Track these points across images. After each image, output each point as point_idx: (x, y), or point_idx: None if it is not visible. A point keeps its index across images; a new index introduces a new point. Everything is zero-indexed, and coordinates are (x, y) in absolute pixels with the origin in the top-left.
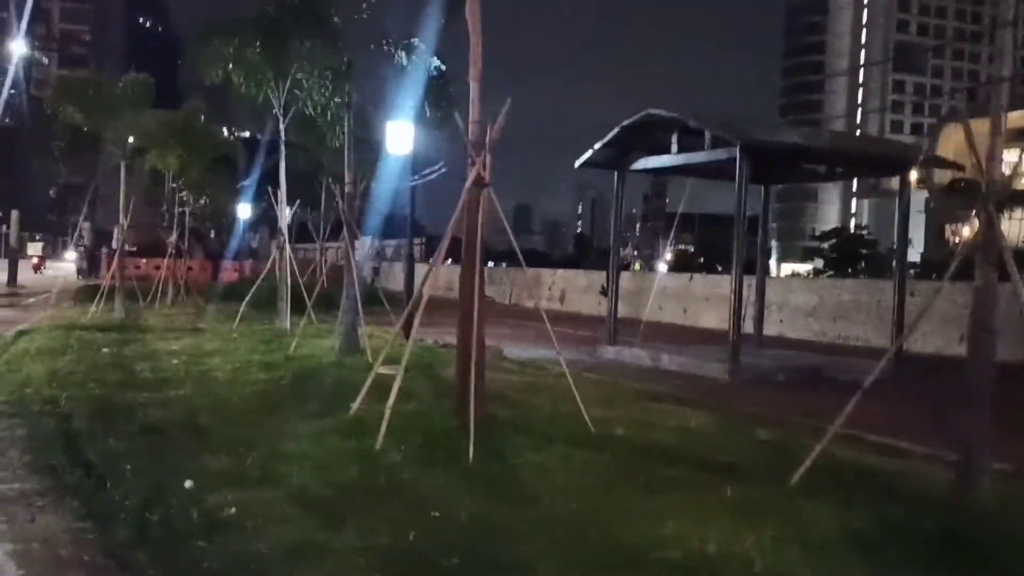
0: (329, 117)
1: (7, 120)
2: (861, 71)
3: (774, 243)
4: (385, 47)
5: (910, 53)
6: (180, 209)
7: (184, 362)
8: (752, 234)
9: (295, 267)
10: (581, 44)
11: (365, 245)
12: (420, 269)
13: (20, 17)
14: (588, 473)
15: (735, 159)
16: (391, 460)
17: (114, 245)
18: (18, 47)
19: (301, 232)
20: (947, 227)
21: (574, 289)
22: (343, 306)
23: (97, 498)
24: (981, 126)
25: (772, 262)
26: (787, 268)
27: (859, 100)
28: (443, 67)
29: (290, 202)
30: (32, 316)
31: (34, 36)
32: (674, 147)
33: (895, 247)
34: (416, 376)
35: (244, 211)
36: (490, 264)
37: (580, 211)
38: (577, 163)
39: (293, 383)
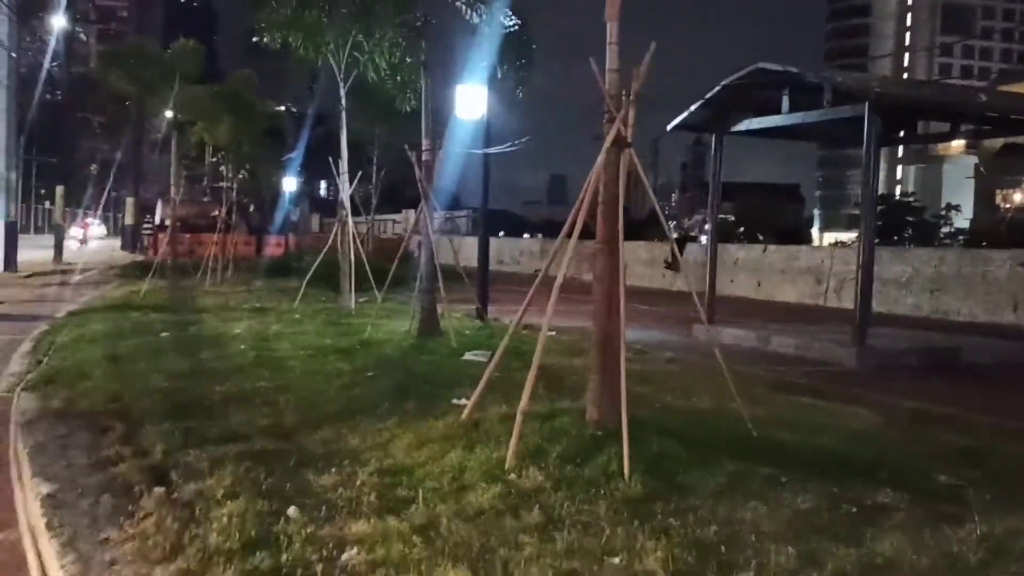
0: (400, 79)
1: (48, 96)
2: (908, 34)
3: (816, 211)
4: (457, 2)
5: (959, 14)
6: (222, 184)
7: (251, 347)
8: (796, 202)
9: (358, 242)
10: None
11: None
12: (468, 242)
13: None
14: (781, 500)
15: (860, 117)
16: (532, 481)
17: (157, 220)
18: (58, 21)
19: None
20: (997, 193)
21: (635, 262)
22: (419, 285)
23: (184, 533)
24: None
25: (814, 231)
26: (830, 236)
27: (905, 63)
28: (518, 23)
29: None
30: (81, 295)
31: (74, 11)
32: (785, 105)
33: (943, 213)
34: (512, 365)
35: (289, 184)
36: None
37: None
38: (670, 126)
39: (379, 374)
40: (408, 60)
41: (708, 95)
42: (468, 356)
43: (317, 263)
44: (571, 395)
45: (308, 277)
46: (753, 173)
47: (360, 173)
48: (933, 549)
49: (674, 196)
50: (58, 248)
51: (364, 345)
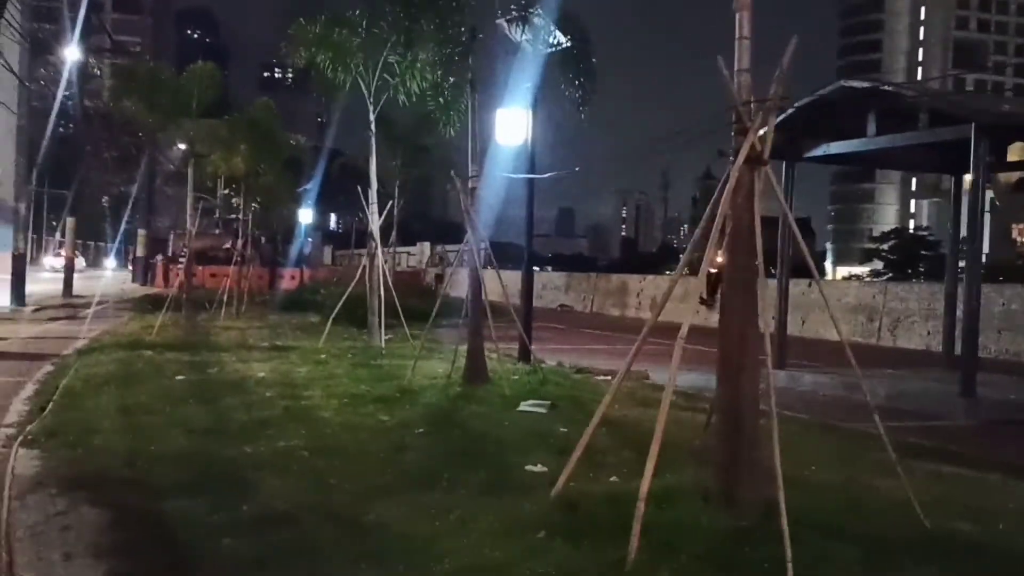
0: (443, 99)
1: (61, 129)
2: (919, 69)
3: (828, 245)
4: (507, 20)
5: (970, 50)
6: (233, 216)
7: (279, 394)
8: (808, 236)
9: (388, 277)
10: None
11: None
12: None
13: (74, 25)
14: None
15: (965, 140)
16: None
17: (169, 252)
18: (72, 53)
19: (360, 238)
20: (1014, 227)
21: (671, 297)
22: (469, 326)
23: None
24: None
25: (827, 264)
26: (843, 271)
27: None
28: (566, 41)
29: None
30: (90, 330)
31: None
32: (871, 128)
33: (959, 247)
34: (576, 417)
35: (305, 216)
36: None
37: (624, 215)
38: (720, 151)
39: (429, 430)
40: (451, 79)
41: (780, 117)
42: (524, 407)
43: (344, 298)
44: (672, 464)
45: (334, 314)
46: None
47: (389, 204)
48: None
49: (683, 230)
50: (68, 281)
51: (405, 393)
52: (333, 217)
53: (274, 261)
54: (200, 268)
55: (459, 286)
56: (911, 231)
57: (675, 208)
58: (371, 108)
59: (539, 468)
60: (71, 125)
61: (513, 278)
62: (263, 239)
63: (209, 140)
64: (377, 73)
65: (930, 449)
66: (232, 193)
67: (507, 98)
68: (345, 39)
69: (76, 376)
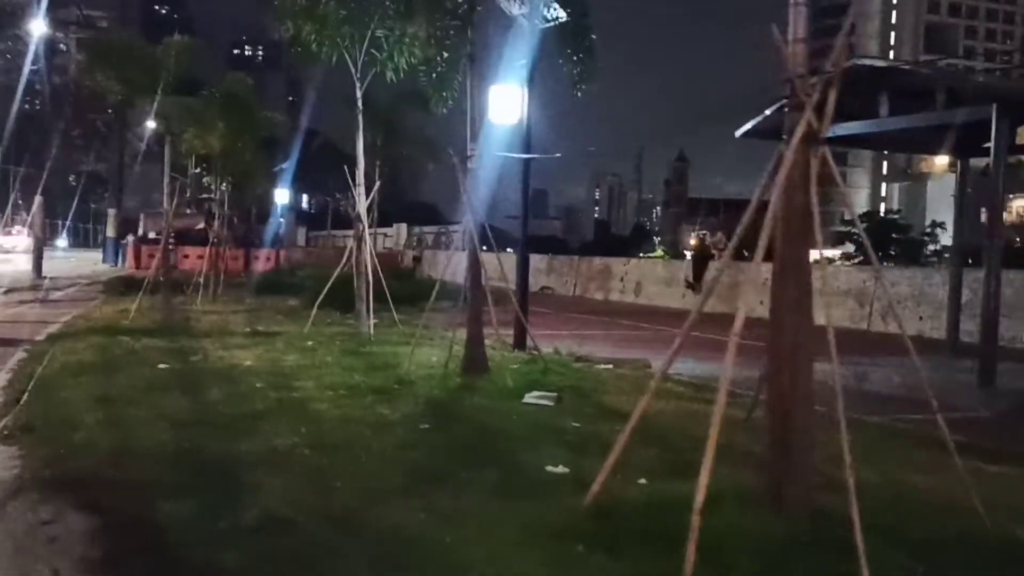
0: (436, 75)
1: (27, 106)
2: (891, 53)
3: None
4: None
5: (942, 34)
6: (205, 196)
7: (269, 385)
8: None
9: (376, 260)
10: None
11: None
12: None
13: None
14: None
15: (985, 121)
16: None
17: (140, 232)
18: (38, 27)
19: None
20: (982, 211)
21: (652, 281)
22: (469, 313)
23: None
24: None
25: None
26: (814, 253)
27: None
28: (564, 15)
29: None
30: (63, 314)
31: (54, 18)
32: (883, 109)
33: (927, 232)
34: (584, 410)
35: (282, 196)
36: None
37: (597, 197)
38: (739, 132)
39: (434, 425)
40: (445, 55)
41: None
42: (529, 399)
43: (332, 281)
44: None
45: (320, 299)
46: (730, 189)
47: (377, 185)
48: None
49: (657, 211)
50: (37, 262)
51: (402, 384)
52: (305, 197)
53: (249, 242)
54: (172, 249)
55: (437, 268)
56: (881, 215)
57: (648, 190)
58: (357, 85)
59: (560, 469)
60: (37, 102)
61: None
62: (235, 219)
63: (183, 117)
64: (364, 48)
65: (960, 444)
66: (204, 172)
67: (501, 75)
68: (332, 11)
69: (51, 364)
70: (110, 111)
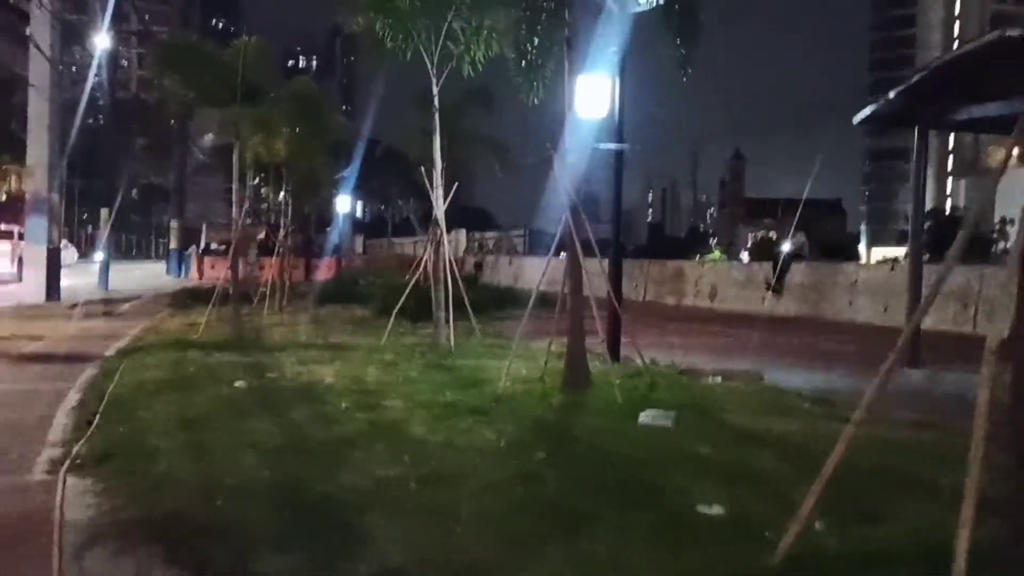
0: (529, 63)
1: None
2: (955, 44)
3: (863, 226)
4: None
5: (1008, 23)
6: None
7: (355, 404)
8: (839, 217)
9: (455, 267)
10: None
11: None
12: (529, 263)
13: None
14: None
15: None
16: None
17: (203, 244)
18: (102, 41)
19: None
20: None
21: (729, 284)
22: (569, 323)
23: None
24: None
25: (861, 247)
26: (878, 252)
27: None
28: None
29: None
30: (131, 327)
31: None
32: None
33: (996, 229)
34: (711, 432)
35: (343, 204)
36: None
37: (651, 199)
38: (858, 118)
39: (552, 453)
40: (537, 40)
41: (915, 78)
42: (645, 419)
43: (407, 293)
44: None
45: (397, 308)
46: (789, 189)
47: (456, 186)
48: None
49: (710, 213)
50: (104, 275)
51: (500, 402)
52: (359, 205)
53: (310, 251)
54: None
55: (499, 273)
56: (947, 212)
57: (702, 191)
58: (433, 80)
59: (715, 510)
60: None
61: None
62: (292, 229)
63: (250, 123)
64: (440, 42)
65: None
66: (263, 182)
67: (589, 64)
68: (405, 3)
69: (123, 382)
70: (172, 122)
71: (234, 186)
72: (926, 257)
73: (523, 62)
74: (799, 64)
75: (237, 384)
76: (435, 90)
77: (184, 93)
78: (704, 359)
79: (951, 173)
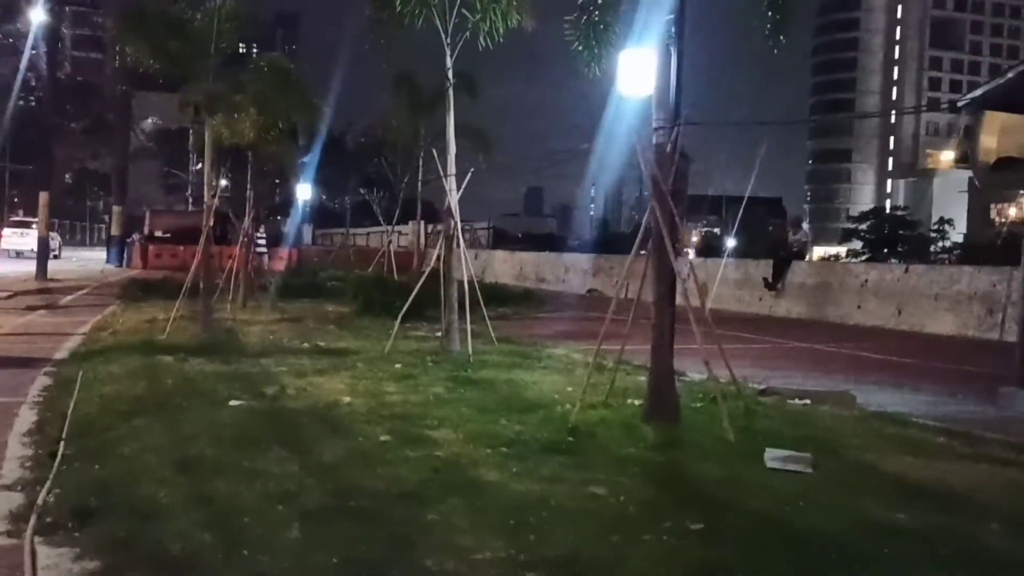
0: (587, 34)
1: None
2: (896, 48)
3: (805, 225)
4: None
5: (947, 29)
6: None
7: (396, 437)
8: (780, 216)
9: (469, 264)
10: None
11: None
12: (499, 257)
13: None
14: None
15: None
16: None
17: (146, 231)
18: (37, 15)
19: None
20: (992, 207)
21: (723, 282)
22: (655, 338)
23: None
24: None
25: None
26: (819, 251)
27: (895, 76)
28: None
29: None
30: (80, 323)
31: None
32: None
33: (935, 228)
34: (870, 482)
35: (304, 192)
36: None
37: (593, 195)
38: (964, 100)
39: (711, 522)
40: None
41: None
42: (772, 463)
43: (415, 292)
44: None
45: (404, 310)
46: (732, 186)
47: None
48: None
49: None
50: (42, 263)
51: (577, 435)
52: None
53: (272, 240)
54: (181, 248)
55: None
56: (887, 211)
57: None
58: (448, 53)
59: None
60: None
61: (535, 259)
62: (255, 217)
63: (226, 99)
64: (456, 8)
65: None
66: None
67: (633, 37)
68: None
69: (86, 396)
70: (115, 104)
71: (206, 168)
72: (866, 256)
73: (588, 27)
74: (741, 86)
75: (233, 403)
76: (449, 62)
77: (148, 63)
78: (756, 371)
79: (891, 173)
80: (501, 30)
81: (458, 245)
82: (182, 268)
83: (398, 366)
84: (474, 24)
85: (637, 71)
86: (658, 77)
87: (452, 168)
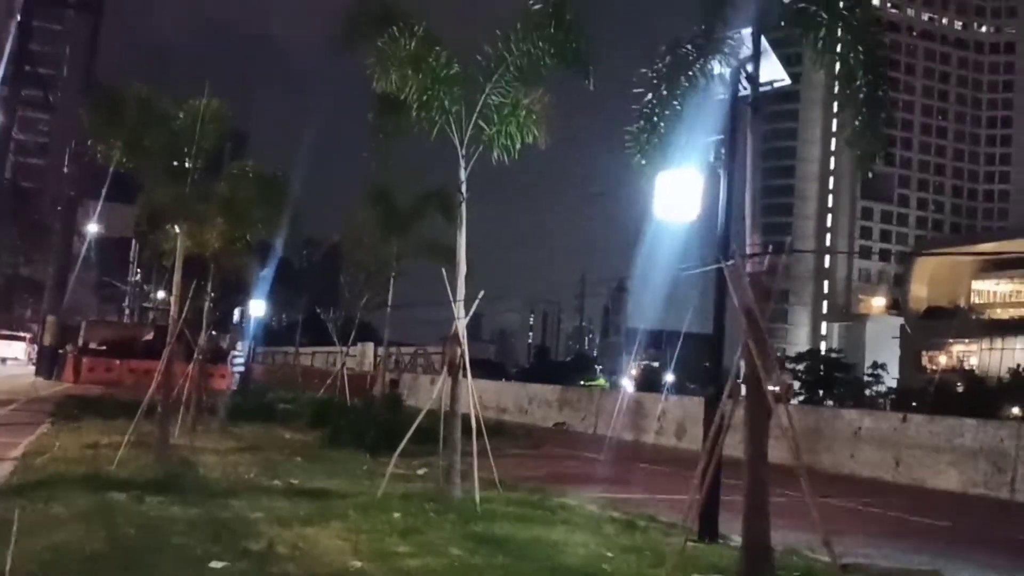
0: (648, 144)
1: None
2: (830, 197)
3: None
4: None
5: (877, 181)
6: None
7: None
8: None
9: (474, 395)
10: None
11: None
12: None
13: None
14: None
15: None
16: None
17: (80, 342)
18: None
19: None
20: (923, 354)
21: (696, 422)
22: (749, 498)
23: None
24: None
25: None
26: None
27: (828, 224)
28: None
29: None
30: (8, 446)
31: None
32: None
33: (869, 372)
34: None
35: (257, 308)
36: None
37: (532, 322)
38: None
39: None
40: (667, 112)
41: None
42: None
43: (418, 421)
44: None
45: (402, 445)
46: (673, 322)
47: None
48: None
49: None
50: None
51: None
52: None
53: (217, 357)
54: (117, 362)
55: (419, 394)
56: (823, 353)
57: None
58: (462, 163)
59: None
60: None
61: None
62: (212, 333)
63: (213, 205)
64: (473, 119)
65: None
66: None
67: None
68: (444, 64)
69: (28, 550)
70: (59, 208)
71: (176, 278)
72: (802, 397)
73: (646, 127)
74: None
75: (215, 565)
76: (462, 175)
77: (120, 160)
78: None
79: (825, 316)
80: (518, 144)
81: (465, 375)
82: (117, 383)
83: (396, 515)
84: (489, 137)
85: (672, 198)
86: (749, 201)
87: (462, 291)
